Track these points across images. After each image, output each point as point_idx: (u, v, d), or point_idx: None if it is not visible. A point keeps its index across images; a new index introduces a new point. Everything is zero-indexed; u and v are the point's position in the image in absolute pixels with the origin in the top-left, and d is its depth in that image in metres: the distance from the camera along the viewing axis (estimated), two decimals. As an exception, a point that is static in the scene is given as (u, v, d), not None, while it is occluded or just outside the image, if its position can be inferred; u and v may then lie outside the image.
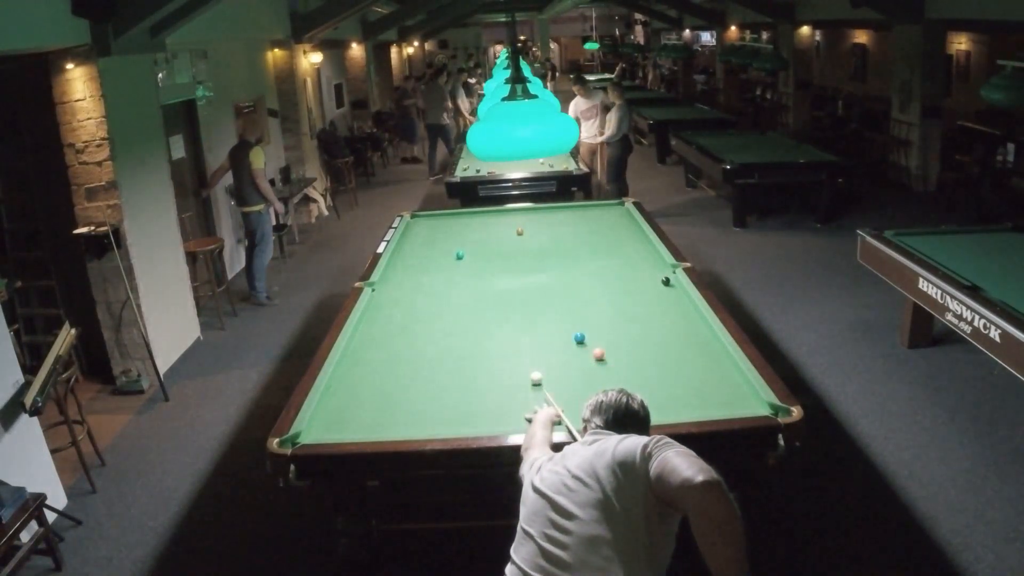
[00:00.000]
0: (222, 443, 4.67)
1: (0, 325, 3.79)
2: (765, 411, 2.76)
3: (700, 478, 1.72)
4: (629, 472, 1.87)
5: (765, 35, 16.48)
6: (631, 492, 1.85)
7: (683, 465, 1.77)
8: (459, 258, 4.91)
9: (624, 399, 2.25)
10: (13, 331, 4.37)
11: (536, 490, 2.04)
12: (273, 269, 8.17)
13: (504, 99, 3.41)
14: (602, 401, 2.25)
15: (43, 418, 3.96)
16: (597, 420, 2.22)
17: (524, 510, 2.05)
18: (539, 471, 2.10)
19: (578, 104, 9.25)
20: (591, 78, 19.15)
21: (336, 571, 3.40)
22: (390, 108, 15.40)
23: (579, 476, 1.94)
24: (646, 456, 1.87)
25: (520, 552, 1.97)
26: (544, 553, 1.89)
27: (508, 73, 3.96)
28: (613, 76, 19.73)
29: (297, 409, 2.95)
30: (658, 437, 1.93)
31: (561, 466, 2.03)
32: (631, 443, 1.94)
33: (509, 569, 1.96)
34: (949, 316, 4.27)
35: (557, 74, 26.36)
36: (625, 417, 2.21)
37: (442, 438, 2.71)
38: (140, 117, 5.51)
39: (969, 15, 8.24)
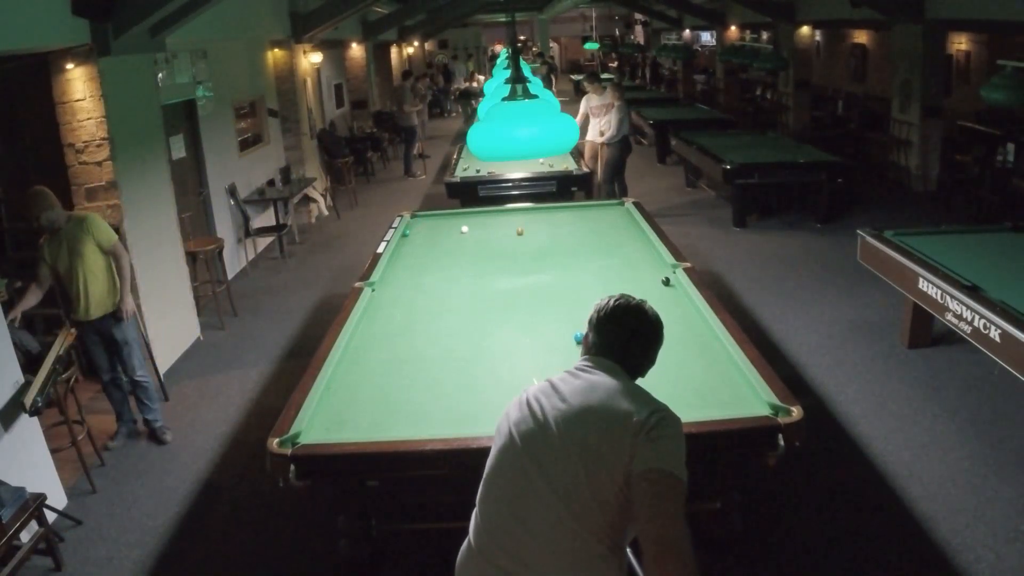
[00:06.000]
0: (222, 443, 4.67)
1: (0, 325, 3.79)
2: (765, 411, 2.76)
3: (667, 554, 1.62)
4: (613, 444, 1.78)
5: (765, 35, 16.48)
6: (607, 464, 1.78)
7: (664, 521, 1.67)
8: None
9: (624, 311, 2.01)
10: (17, 327, 4.37)
11: (513, 432, 1.94)
12: (273, 269, 8.18)
13: (504, 99, 3.41)
14: (599, 312, 2.04)
15: (43, 418, 3.96)
16: (593, 338, 2.03)
17: (497, 454, 1.97)
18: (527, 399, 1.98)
19: (590, 100, 9.20)
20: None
21: (336, 571, 3.40)
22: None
23: (553, 429, 1.86)
24: (640, 440, 1.77)
25: (479, 521, 1.94)
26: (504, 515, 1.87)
27: (508, 73, 3.96)
28: (614, 77, 19.75)
29: (297, 409, 2.95)
30: (658, 419, 1.81)
31: (539, 408, 1.92)
32: (622, 415, 1.81)
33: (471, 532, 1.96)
34: (949, 316, 4.27)
35: (558, 73, 26.20)
36: (626, 337, 1.99)
37: (442, 438, 2.72)
38: (140, 117, 5.51)
39: (969, 15, 8.24)
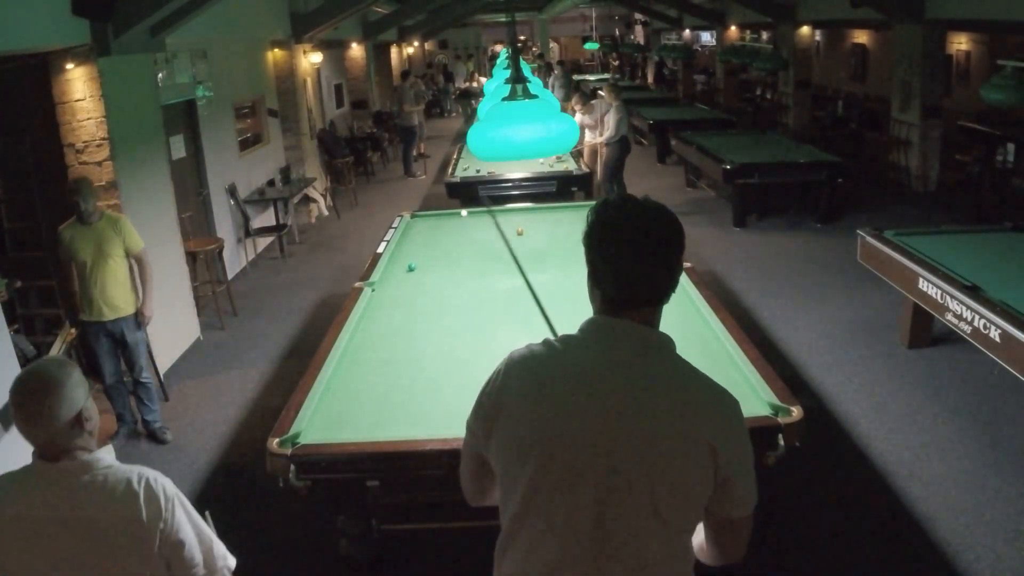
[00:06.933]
0: (222, 443, 4.67)
1: (0, 325, 3.79)
2: (765, 411, 2.76)
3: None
4: (689, 493, 1.46)
5: (765, 35, 16.49)
6: (685, 510, 1.50)
7: (737, 549, 1.59)
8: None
9: (650, 218, 1.47)
10: (13, 331, 4.37)
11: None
12: (273, 269, 8.19)
13: (504, 99, 3.41)
14: (612, 221, 1.46)
15: (43, 418, 3.95)
16: (606, 271, 1.48)
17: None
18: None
19: (584, 121, 9.23)
20: (591, 78, 19.10)
21: (336, 571, 3.40)
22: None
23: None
24: (719, 489, 1.46)
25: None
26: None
27: (508, 73, 3.96)
28: (610, 77, 19.77)
29: (297, 409, 2.96)
30: (739, 459, 1.47)
31: (576, 427, 1.46)
32: (695, 453, 1.41)
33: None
34: (949, 316, 4.27)
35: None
36: (658, 258, 1.48)
37: (442, 438, 2.71)
38: (140, 117, 5.51)
39: (969, 15, 8.24)
